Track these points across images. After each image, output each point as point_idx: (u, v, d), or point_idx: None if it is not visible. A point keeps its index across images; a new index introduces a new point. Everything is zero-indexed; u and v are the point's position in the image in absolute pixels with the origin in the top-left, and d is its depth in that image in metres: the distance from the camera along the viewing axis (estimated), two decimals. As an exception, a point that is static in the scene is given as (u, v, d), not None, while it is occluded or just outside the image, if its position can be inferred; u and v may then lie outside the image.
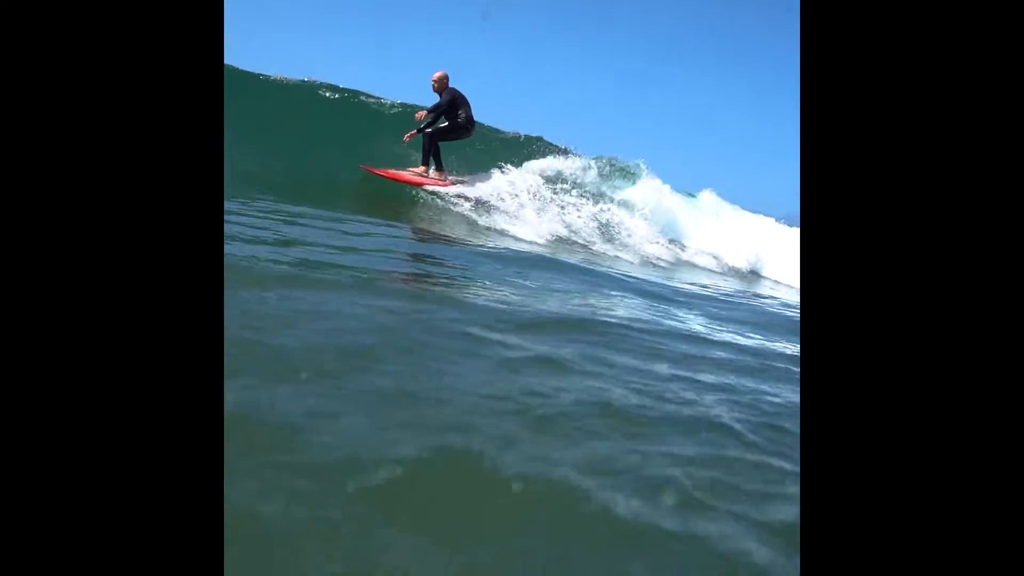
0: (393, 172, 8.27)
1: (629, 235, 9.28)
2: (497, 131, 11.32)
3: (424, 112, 8.26)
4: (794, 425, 2.27)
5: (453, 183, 8.36)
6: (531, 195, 8.66)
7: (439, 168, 8.45)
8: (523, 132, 11.54)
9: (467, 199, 8.13)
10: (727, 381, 2.77)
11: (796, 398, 2.66)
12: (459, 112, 8.32)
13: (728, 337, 4.02)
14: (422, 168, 8.34)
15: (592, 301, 4.40)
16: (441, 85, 8.36)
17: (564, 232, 8.46)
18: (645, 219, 9.81)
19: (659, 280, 6.78)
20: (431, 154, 8.38)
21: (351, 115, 10.12)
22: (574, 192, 9.23)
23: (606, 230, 9.17)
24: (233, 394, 1.53)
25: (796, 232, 11.84)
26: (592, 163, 10.06)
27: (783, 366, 3.36)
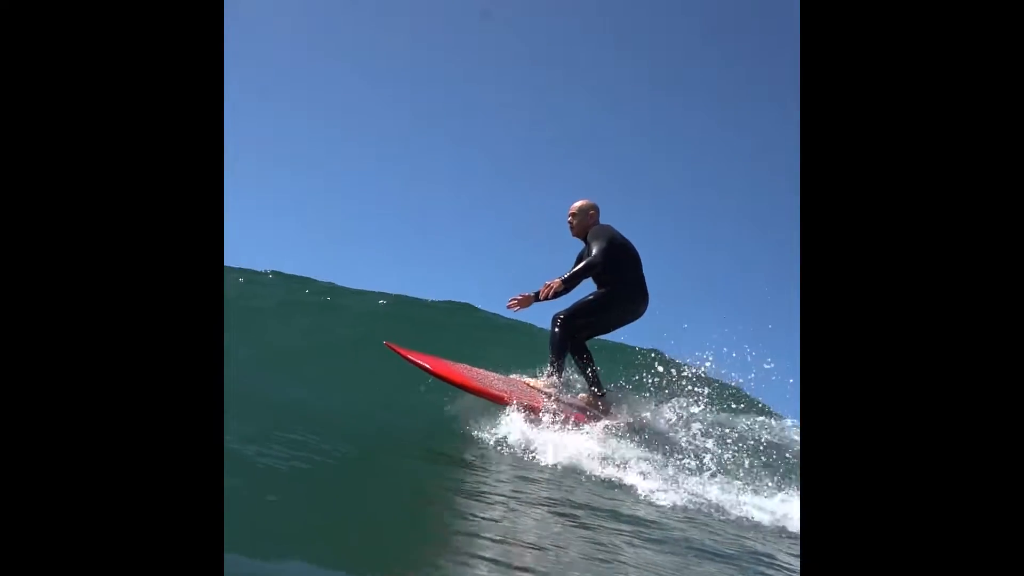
0: (492, 384, 4.11)
1: None
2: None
3: (558, 281, 4.18)
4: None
5: (627, 418, 4.13)
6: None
7: (594, 383, 4.26)
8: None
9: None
10: None
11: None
12: (622, 272, 4.29)
13: None
14: (546, 380, 4.20)
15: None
16: (585, 223, 4.42)
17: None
18: None
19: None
20: (563, 354, 4.22)
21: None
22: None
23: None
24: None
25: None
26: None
27: None
